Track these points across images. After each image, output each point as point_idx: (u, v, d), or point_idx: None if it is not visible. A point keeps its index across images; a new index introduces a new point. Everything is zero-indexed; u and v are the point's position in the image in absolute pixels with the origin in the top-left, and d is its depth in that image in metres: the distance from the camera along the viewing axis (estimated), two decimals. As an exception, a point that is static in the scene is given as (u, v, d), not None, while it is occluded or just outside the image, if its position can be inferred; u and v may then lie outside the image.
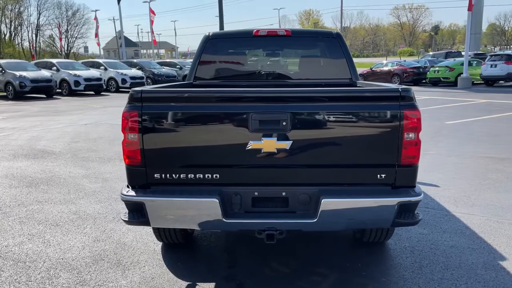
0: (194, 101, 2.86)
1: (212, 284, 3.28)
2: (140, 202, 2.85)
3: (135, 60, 29.73)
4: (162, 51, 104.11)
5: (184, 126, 2.86)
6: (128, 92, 2.97)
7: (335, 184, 2.87)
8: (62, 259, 3.71)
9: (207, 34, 4.65)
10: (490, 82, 21.40)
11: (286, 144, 2.78)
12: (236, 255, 3.76)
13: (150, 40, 49.61)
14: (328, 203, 2.74)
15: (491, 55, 22.08)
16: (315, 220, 2.78)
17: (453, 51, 33.66)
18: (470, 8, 20.48)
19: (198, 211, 2.84)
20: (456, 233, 4.04)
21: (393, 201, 2.76)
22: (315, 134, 2.80)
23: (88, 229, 4.38)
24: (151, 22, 39.54)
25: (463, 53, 28.31)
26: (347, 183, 2.87)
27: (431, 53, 40.50)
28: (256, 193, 2.91)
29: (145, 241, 4.06)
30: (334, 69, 4.62)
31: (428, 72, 23.39)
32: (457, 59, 24.73)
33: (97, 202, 5.19)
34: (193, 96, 2.88)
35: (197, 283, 3.30)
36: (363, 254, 3.68)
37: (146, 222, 2.91)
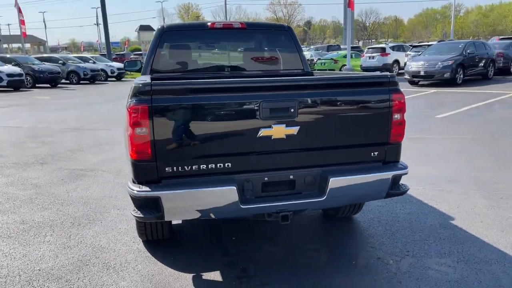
0: (204, 92, 2.88)
1: (217, 273, 3.33)
2: (156, 197, 2.80)
3: (8, 55, 26.75)
4: (27, 45, 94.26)
5: (195, 117, 2.87)
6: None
7: (336, 164, 3.13)
8: (39, 270, 3.42)
9: (162, 26, 4.58)
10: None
11: (294, 130, 2.96)
12: (224, 244, 3.84)
13: (13, 34, 44.69)
14: (335, 182, 2.99)
15: (369, 48, 24.51)
16: (324, 198, 3.02)
17: (333, 44, 36.47)
18: (351, 6, 22.38)
19: (217, 200, 2.88)
20: (406, 202, 4.61)
21: (388, 175, 3.12)
22: (318, 118, 3.02)
23: (49, 237, 4.05)
24: (19, 10, 35.30)
25: (342, 46, 30.81)
26: (345, 162, 3.15)
27: (312, 46, 43.26)
28: (266, 178, 3.04)
29: (123, 241, 3.91)
30: (288, 61, 4.89)
31: (315, 65, 25.10)
32: (339, 52, 26.92)
33: (41, 210, 4.78)
34: (204, 87, 2.90)
35: (201, 273, 3.33)
36: (341, 229, 4.03)
37: (161, 217, 2.86)
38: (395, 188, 3.21)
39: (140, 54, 50.92)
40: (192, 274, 3.31)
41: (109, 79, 28.26)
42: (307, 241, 3.83)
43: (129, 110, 2.80)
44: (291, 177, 3.08)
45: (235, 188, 2.86)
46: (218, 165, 2.94)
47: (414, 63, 16.38)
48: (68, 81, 25.87)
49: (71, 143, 8.34)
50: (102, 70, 27.40)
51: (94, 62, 28.61)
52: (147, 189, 2.83)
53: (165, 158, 2.86)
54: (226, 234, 4.03)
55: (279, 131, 2.94)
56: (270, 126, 2.92)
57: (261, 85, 2.98)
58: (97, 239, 3.98)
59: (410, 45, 26.62)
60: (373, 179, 3.10)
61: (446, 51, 16.63)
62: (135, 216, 2.91)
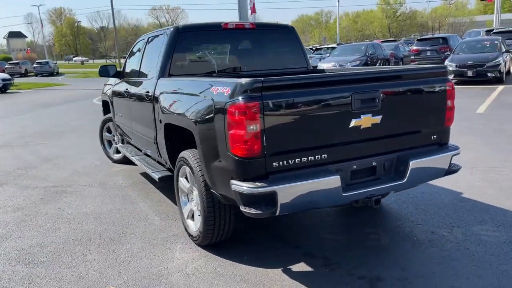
0: (309, 86, 2.96)
1: (302, 264, 3.40)
2: (273, 192, 2.80)
3: None
4: None
5: (298, 112, 2.93)
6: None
7: (406, 149, 3.41)
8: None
9: (176, 27, 4.44)
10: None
11: (378, 119, 3.18)
12: (284, 238, 3.89)
13: None
14: (415, 164, 3.28)
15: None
16: (404, 180, 3.29)
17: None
18: (253, 10, 23.10)
19: (325, 189, 2.96)
20: (411, 184, 5.09)
21: (449, 155, 3.50)
22: (395, 107, 3.28)
23: (90, 255, 3.71)
24: None
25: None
26: (413, 146, 3.45)
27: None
28: (354, 167, 3.21)
29: (177, 248, 3.75)
30: (294, 59, 5.08)
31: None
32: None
33: (50, 230, 4.34)
34: (310, 82, 2.97)
35: (288, 266, 3.36)
36: (379, 213, 4.33)
37: (275, 212, 2.86)
38: (451, 166, 3.60)
39: (17, 63, 46.30)
40: (280, 269, 3.34)
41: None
42: (360, 227, 4.05)
43: (237, 107, 2.76)
44: (374, 163, 3.29)
45: (339, 177, 2.99)
46: (316, 157, 3.03)
47: (325, 64, 17.53)
48: None
49: (14, 161, 7.46)
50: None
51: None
52: (263, 184, 2.82)
53: (272, 153, 2.88)
54: (276, 229, 4.08)
55: (367, 120, 3.14)
56: (359, 116, 3.10)
57: (355, 78, 3.15)
58: (148, 251, 3.74)
59: (310, 49, 28.34)
60: (441, 160, 3.46)
61: (351, 52, 18.18)
62: (250, 213, 2.86)
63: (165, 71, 4.34)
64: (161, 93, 4.16)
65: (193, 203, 3.86)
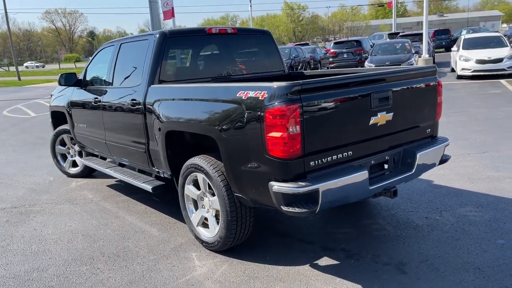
0: (340, 87, 3.12)
1: (325, 258, 3.54)
2: (316, 190, 2.90)
3: None
4: None
5: (331, 112, 3.06)
6: None
7: (409, 142, 3.72)
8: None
9: (163, 32, 4.34)
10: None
11: (391, 116, 3.44)
12: (292, 236, 4.00)
13: None
14: (421, 155, 3.60)
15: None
16: (413, 171, 3.59)
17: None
18: (172, 14, 22.73)
19: (356, 184, 3.13)
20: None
21: (443, 145, 3.88)
22: (402, 104, 3.56)
23: (137, 265, 3.51)
24: None
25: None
26: (413, 140, 3.77)
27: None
28: (372, 161, 3.43)
29: (202, 255, 3.69)
30: (272, 63, 5.22)
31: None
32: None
33: (64, 248, 4.00)
34: (342, 83, 3.15)
35: (314, 262, 3.49)
36: (370, 206, 4.62)
37: (316, 209, 2.96)
38: (443, 156, 3.98)
39: None
40: (307, 265, 3.45)
41: None
42: (360, 220, 4.30)
43: (277, 110, 2.84)
44: (386, 157, 3.55)
45: (367, 172, 3.19)
46: (343, 154, 3.21)
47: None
48: None
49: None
50: None
51: None
52: (307, 183, 2.91)
53: (310, 153, 2.99)
54: (282, 228, 4.18)
55: (383, 117, 3.38)
56: (377, 114, 3.34)
57: (373, 78, 3.38)
58: (164, 263, 3.64)
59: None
60: (439, 150, 3.83)
61: (275, 55, 18.71)
62: (293, 213, 2.93)
63: (155, 78, 4.22)
64: (156, 101, 4.05)
65: (204, 210, 3.82)
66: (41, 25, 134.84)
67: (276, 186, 2.96)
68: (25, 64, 78.01)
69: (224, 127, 3.28)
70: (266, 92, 2.96)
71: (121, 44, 5.00)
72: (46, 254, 3.97)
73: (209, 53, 4.83)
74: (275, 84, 2.94)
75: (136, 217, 4.73)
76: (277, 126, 2.88)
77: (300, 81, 2.90)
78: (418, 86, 3.72)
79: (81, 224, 4.64)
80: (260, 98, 2.99)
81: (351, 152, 3.25)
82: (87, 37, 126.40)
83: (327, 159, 3.10)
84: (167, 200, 5.18)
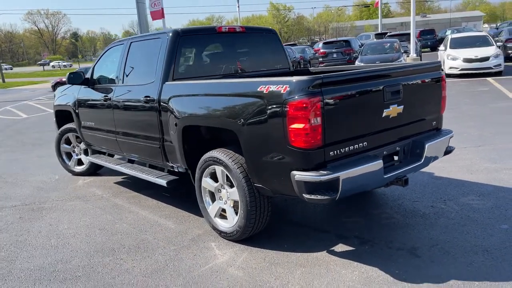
0: (358, 81, 3.31)
1: (341, 245, 3.71)
2: (336, 178, 3.07)
3: None
4: None
5: (349, 104, 3.24)
6: None
7: (417, 134, 3.91)
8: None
9: (176, 30, 4.47)
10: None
11: (401, 108, 3.63)
12: (304, 224, 4.16)
13: None
14: (430, 146, 3.79)
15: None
16: (421, 161, 3.78)
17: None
18: (162, 15, 22.76)
19: (372, 173, 3.31)
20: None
21: (449, 137, 4.09)
22: (411, 98, 3.74)
23: (161, 256, 3.63)
24: None
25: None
26: (421, 132, 3.97)
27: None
28: (385, 152, 3.61)
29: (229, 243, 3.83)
30: (278, 60, 5.38)
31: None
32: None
33: (87, 243, 4.09)
34: (360, 77, 3.34)
35: (331, 248, 3.65)
36: (377, 196, 4.81)
37: (336, 196, 3.13)
38: (448, 147, 4.19)
39: None
40: (324, 251, 3.62)
41: None
42: (368, 209, 4.48)
43: (300, 103, 3.00)
44: (397, 148, 3.74)
45: (381, 161, 3.37)
46: (360, 144, 3.38)
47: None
48: None
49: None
50: None
51: None
52: (329, 172, 3.08)
53: (329, 143, 3.16)
54: (296, 218, 4.34)
55: (394, 110, 3.57)
56: (389, 107, 3.52)
57: (385, 73, 3.57)
58: (185, 252, 3.77)
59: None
60: (445, 141, 4.03)
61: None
62: (315, 200, 3.09)
63: (169, 76, 4.35)
64: (172, 97, 4.17)
65: (222, 201, 3.96)
66: (23, 26, 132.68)
67: (298, 175, 3.12)
68: (51, 64, 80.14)
69: (245, 120, 3.43)
70: (288, 86, 3.12)
71: (131, 43, 5.11)
72: (66, 247, 4.07)
73: (219, 51, 4.97)
74: (295, 79, 3.09)
75: (150, 212, 4.84)
76: (299, 118, 3.04)
77: (321, 75, 3.07)
78: (425, 80, 3.92)
79: (96, 219, 4.74)
80: (282, 91, 3.14)
81: (366, 143, 3.42)
82: (71, 39, 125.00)
83: (345, 149, 3.27)
84: (177, 194, 5.30)
